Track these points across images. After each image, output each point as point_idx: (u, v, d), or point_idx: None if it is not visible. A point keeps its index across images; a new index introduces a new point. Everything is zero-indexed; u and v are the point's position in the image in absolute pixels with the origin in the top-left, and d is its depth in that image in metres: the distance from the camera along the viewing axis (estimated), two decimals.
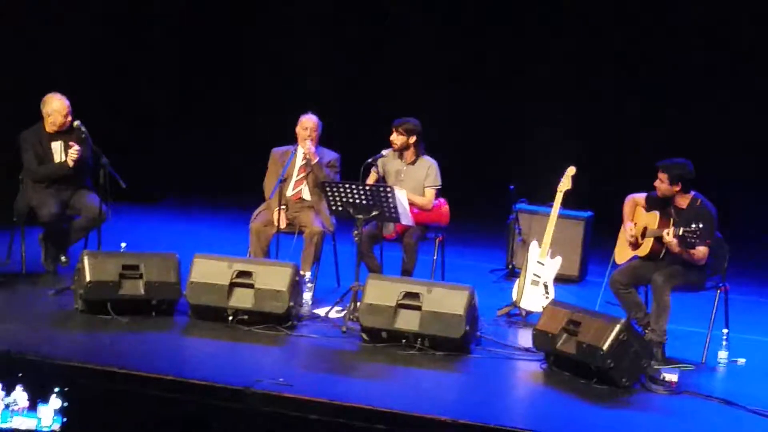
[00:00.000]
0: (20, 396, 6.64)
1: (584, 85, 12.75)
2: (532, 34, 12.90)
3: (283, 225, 9.36)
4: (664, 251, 8.36)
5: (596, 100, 12.77)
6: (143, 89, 13.23)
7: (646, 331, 8.29)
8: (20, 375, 6.68)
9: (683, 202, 8.43)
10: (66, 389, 6.64)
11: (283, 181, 9.36)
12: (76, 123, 9.39)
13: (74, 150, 9.33)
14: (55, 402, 6.64)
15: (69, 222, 9.56)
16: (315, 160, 9.43)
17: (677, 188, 8.37)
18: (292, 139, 9.61)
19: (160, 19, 13.33)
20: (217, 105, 13.64)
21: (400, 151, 9.46)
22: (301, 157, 9.54)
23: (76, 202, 9.51)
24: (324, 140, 9.63)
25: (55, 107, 9.47)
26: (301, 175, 9.57)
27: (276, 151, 9.66)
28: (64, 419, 6.65)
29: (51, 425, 6.63)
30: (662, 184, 8.40)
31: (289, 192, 9.54)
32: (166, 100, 13.47)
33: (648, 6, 12.53)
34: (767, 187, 12.10)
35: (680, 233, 8.16)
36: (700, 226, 8.10)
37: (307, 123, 9.52)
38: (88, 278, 8.40)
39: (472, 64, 13.18)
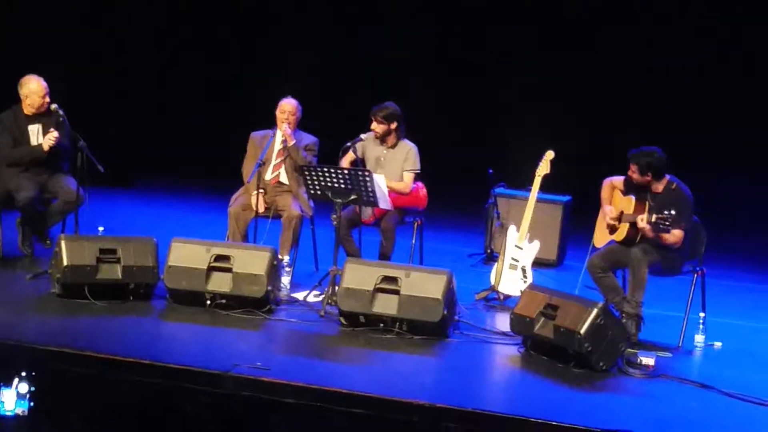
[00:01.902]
0: None
1: (562, 69, 12.75)
2: (511, 20, 12.88)
3: (261, 209, 9.35)
4: (639, 236, 8.39)
5: (574, 84, 12.77)
6: (120, 72, 13.18)
7: (623, 312, 8.33)
8: None
9: (659, 186, 8.46)
10: (33, 373, 6.61)
11: (262, 165, 9.34)
12: (54, 106, 9.35)
13: (51, 136, 9.29)
14: (20, 386, 6.61)
15: (46, 205, 9.52)
16: (291, 143, 9.42)
17: (648, 177, 8.41)
18: (271, 123, 9.58)
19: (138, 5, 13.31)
20: (196, 87, 13.59)
21: (382, 138, 9.45)
22: (279, 141, 9.52)
23: (53, 185, 9.47)
24: (304, 125, 9.60)
25: (33, 88, 9.42)
26: (280, 159, 9.55)
27: (255, 135, 9.64)
28: (31, 404, 6.62)
29: (14, 409, 6.60)
30: (634, 174, 8.44)
31: (268, 176, 9.52)
32: (143, 84, 13.42)
33: None
34: (743, 169, 12.13)
35: (653, 220, 8.19)
36: (672, 212, 8.13)
37: (286, 106, 9.50)
38: (65, 262, 8.37)
39: (451, 50, 13.16)
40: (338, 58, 13.38)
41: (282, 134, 9.47)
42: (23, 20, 11.86)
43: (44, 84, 9.44)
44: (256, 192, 9.30)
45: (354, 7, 13.32)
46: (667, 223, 8.13)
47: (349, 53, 13.34)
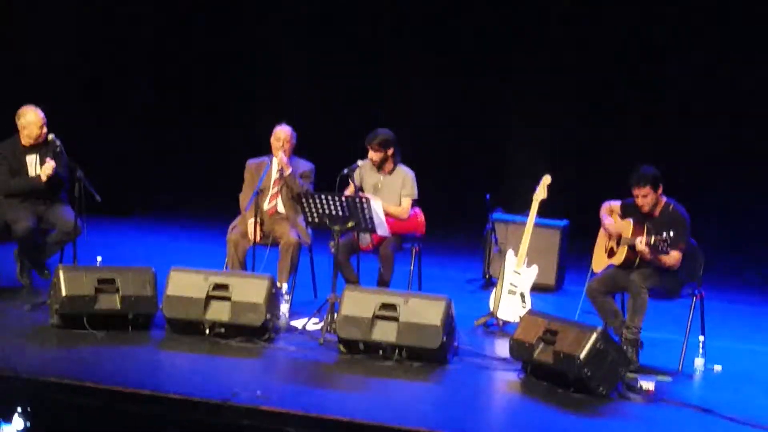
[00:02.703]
0: None
1: (560, 95, 12.77)
2: (509, 46, 12.91)
3: (257, 238, 9.32)
4: (638, 259, 8.39)
5: (572, 109, 12.79)
6: (118, 102, 13.21)
7: (622, 336, 8.32)
8: None
9: (656, 209, 8.46)
10: (29, 409, 6.58)
11: (260, 193, 9.32)
12: (51, 136, 9.37)
13: (48, 166, 9.31)
14: (17, 422, 6.58)
15: (44, 236, 9.52)
16: (288, 171, 9.41)
17: (660, 191, 8.39)
18: (266, 150, 9.58)
19: (136, 34, 13.34)
20: (193, 117, 13.61)
21: (380, 165, 9.46)
22: (276, 170, 9.51)
23: (51, 215, 9.47)
24: (300, 150, 9.61)
25: (30, 119, 9.44)
26: (277, 188, 9.54)
27: (251, 163, 9.64)
28: None
29: None
30: (647, 197, 8.38)
31: (265, 206, 9.49)
32: (138, 112, 13.45)
33: (628, 18, 12.54)
34: (741, 193, 12.13)
35: (652, 242, 8.19)
36: (671, 234, 8.13)
37: (280, 134, 9.49)
38: (63, 293, 8.37)
39: (449, 75, 13.18)
40: (334, 84, 13.38)
41: (278, 163, 9.46)
42: (22, 48, 11.91)
43: (42, 115, 9.46)
44: (253, 221, 9.29)
45: (354, 37, 13.34)
46: (666, 244, 8.13)
47: (346, 79, 13.35)
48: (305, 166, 9.59)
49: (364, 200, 8.72)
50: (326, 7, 13.39)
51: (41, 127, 9.43)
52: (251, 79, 13.58)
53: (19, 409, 6.60)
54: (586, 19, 12.61)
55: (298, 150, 9.58)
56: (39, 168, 9.42)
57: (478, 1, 13.03)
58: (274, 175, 9.53)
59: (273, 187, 9.54)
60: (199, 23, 13.62)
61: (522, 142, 12.78)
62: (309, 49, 13.46)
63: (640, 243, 8.27)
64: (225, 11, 13.61)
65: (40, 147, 9.47)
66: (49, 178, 9.34)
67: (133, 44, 13.37)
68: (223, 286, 8.48)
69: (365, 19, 13.33)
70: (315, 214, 8.78)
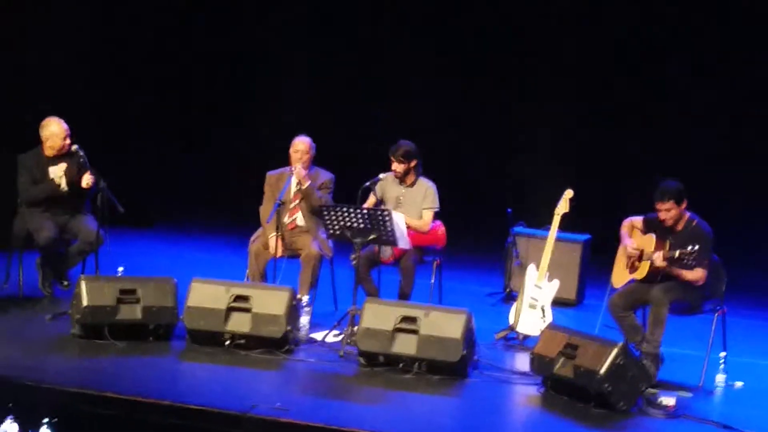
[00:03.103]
0: (10, 428, 6.61)
1: (582, 108, 12.76)
2: (530, 57, 12.91)
3: (278, 253, 9.31)
4: (660, 275, 8.36)
5: (594, 123, 12.77)
6: (138, 114, 13.26)
7: (642, 349, 8.29)
8: (10, 405, 6.63)
9: (679, 224, 8.44)
10: (55, 420, 6.60)
11: (281, 205, 9.32)
12: (74, 147, 9.42)
13: (88, 178, 9.32)
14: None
15: (66, 246, 9.56)
16: (306, 184, 9.40)
17: (684, 206, 8.37)
18: (287, 161, 9.57)
19: (152, 46, 13.39)
20: (214, 127, 13.65)
21: (402, 177, 9.47)
22: (295, 183, 9.50)
23: (74, 226, 9.52)
24: (319, 160, 9.61)
25: (54, 131, 9.49)
26: (296, 202, 9.52)
27: (271, 175, 9.62)
28: None
29: None
30: (670, 212, 8.35)
31: (286, 219, 9.46)
32: (163, 124, 13.49)
33: (642, 29, 12.53)
34: (762, 207, 12.09)
35: (676, 256, 8.17)
36: (696, 247, 8.11)
37: (299, 146, 9.47)
38: (85, 303, 8.39)
39: (470, 87, 13.19)
40: (357, 96, 13.40)
41: (296, 175, 9.44)
42: (40, 56, 12.00)
43: (65, 126, 9.51)
44: (274, 235, 9.29)
45: (370, 48, 13.36)
46: (692, 258, 8.09)
47: (368, 91, 13.37)
48: (324, 176, 9.57)
49: (386, 213, 8.72)
50: (326, 7, 13.41)
51: (64, 139, 9.48)
52: (275, 86, 13.59)
53: (46, 420, 6.61)
54: (603, 34, 12.61)
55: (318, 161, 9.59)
56: (63, 180, 9.46)
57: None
58: (294, 188, 9.52)
59: (293, 201, 9.53)
60: (217, 27, 13.63)
61: (544, 156, 12.76)
62: (310, 49, 13.45)
63: (658, 259, 8.25)
64: (225, 11, 13.63)
65: (64, 157, 9.52)
66: (72, 186, 9.37)
67: (152, 49, 13.41)
68: (244, 298, 8.49)
69: (365, 19, 13.34)
70: (336, 227, 8.78)
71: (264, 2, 13.70)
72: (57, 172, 9.47)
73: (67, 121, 9.52)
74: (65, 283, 9.61)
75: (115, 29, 13.03)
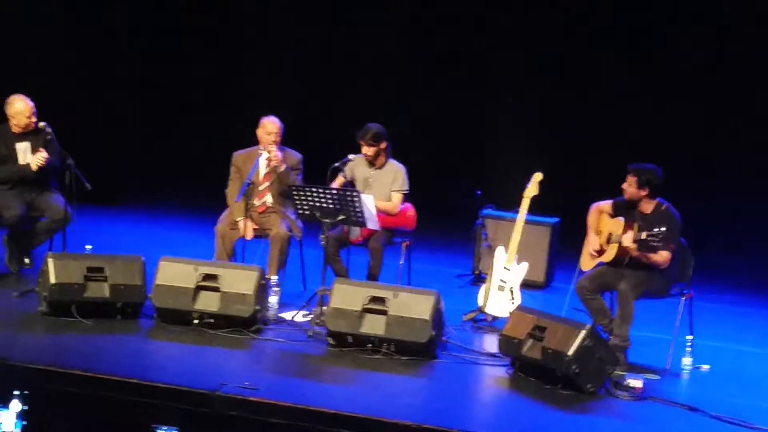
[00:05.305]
0: None
1: (551, 90, 12.77)
2: (500, 40, 12.90)
3: (249, 236, 9.29)
4: (628, 257, 8.41)
5: (563, 106, 12.78)
6: (107, 90, 13.18)
7: (610, 336, 8.34)
8: None
9: (648, 207, 8.49)
10: (26, 392, 6.58)
11: (250, 185, 9.27)
12: (42, 124, 9.34)
13: (40, 156, 9.27)
14: (15, 405, 6.58)
15: (34, 223, 9.50)
16: (282, 168, 9.35)
17: (644, 193, 8.43)
18: (254, 140, 9.50)
19: (123, 22, 13.31)
20: (181, 106, 13.58)
21: (372, 159, 9.44)
22: (264, 165, 9.45)
23: (41, 203, 9.45)
24: (287, 141, 9.56)
25: (18, 109, 9.41)
26: (267, 183, 9.48)
27: (238, 155, 9.54)
28: (24, 423, 6.60)
29: (13, 430, 6.57)
30: (630, 188, 8.46)
31: (255, 202, 9.40)
32: (129, 101, 13.42)
33: (613, 17, 12.56)
34: (731, 192, 12.14)
35: (643, 237, 8.21)
36: (662, 229, 8.15)
37: (272, 127, 9.38)
38: (52, 280, 8.35)
39: (440, 68, 13.17)
40: (319, 78, 13.36)
41: (270, 158, 9.35)
42: (8, 32, 11.93)
43: (31, 104, 9.42)
44: (243, 218, 9.24)
45: (342, 25, 13.31)
46: (657, 239, 8.14)
47: (333, 75, 13.33)
48: (294, 156, 9.51)
49: (354, 193, 8.71)
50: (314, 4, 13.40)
51: (29, 117, 9.39)
52: (239, 69, 13.53)
53: (16, 392, 6.57)
54: (573, 14, 12.61)
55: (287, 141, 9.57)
56: (29, 155, 9.39)
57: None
58: (263, 169, 9.47)
59: (263, 183, 9.48)
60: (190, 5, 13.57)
61: (513, 138, 12.77)
62: (297, 41, 13.41)
63: (627, 239, 8.30)
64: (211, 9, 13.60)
65: (30, 134, 9.44)
66: (40, 168, 9.31)
67: (119, 35, 13.33)
68: (213, 277, 8.47)
69: (353, 15, 13.32)
70: (305, 207, 8.77)
71: None
72: (25, 150, 9.39)
73: (34, 99, 9.44)
74: (26, 261, 9.52)
75: (86, 15, 12.95)
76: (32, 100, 9.44)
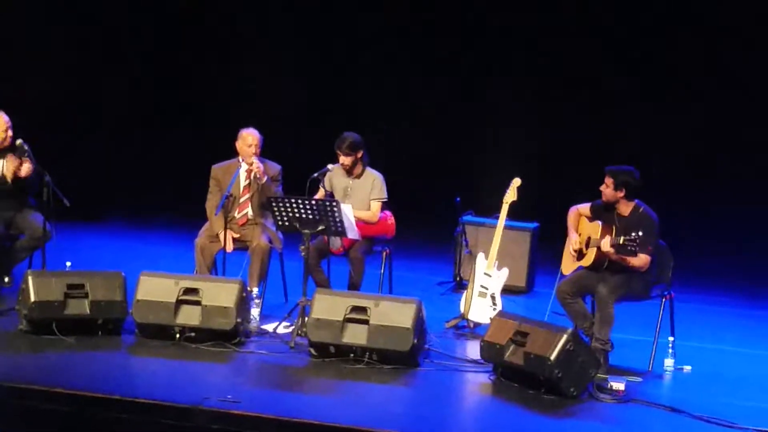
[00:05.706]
0: None
1: (529, 98, 12.79)
2: (481, 47, 12.92)
3: (229, 249, 9.29)
4: (607, 261, 8.43)
5: (540, 111, 12.80)
6: (87, 105, 13.16)
7: (591, 340, 8.36)
8: None
9: (626, 209, 8.51)
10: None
11: (229, 197, 9.26)
12: (19, 141, 9.31)
13: (26, 167, 9.23)
14: None
15: (13, 242, 9.46)
16: (264, 180, 9.34)
17: (621, 194, 8.45)
18: (233, 154, 9.50)
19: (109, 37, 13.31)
20: (161, 121, 13.56)
21: (350, 168, 9.45)
22: (244, 177, 9.45)
23: (20, 221, 9.42)
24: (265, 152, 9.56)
25: None
26: (246, 195, 9.47)
27: (217, 168, 9.53)
28: None
29: None
30: (607, 189, 8.49)
31: (236, 215, 9.39)
32: (109, 117, 13.40)
33: (597, 21, 12.59)
34: (708, 193, 12.18)
35: (621, 242, 8.24)
36: (640, 234, 8.18)
37: (251, 139, 9.37)
38: (32, 298, 8.32)
39: (420, 77, 13.18)
40: (307, 86, 13.36)
41: (251, 170, 9.34)
42: None
43: (6, 118, 9.40)
44: (223, 231, 9.23)
45: (322, 37, 13.32)
46: (635, 244, 8.17)
47: (316, 83, 13.33)
48: (273, 168, 9.52)
49: (333, 203, 8.71)
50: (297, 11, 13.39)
51: (5, 131, 9.37)
52: (221, 85, 13.53)
53: None
54: (558, 21, 12.64)
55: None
56: (4, 172, 9.33)
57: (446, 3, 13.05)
58: (243, 182, 9.46)
59: (243, 195, 9.47)
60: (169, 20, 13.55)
61: (492, 145, 12.79)
62: (278, 51, 13.41)
63: (605, 244, 8.32)
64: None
65: (7, 150, 9.40)
66: (16, 180, 9.27)
67: (104, 46, 13.31)
68: (194, 290, 8.46)
69: (336, 23, 13.32)
70: (285, 218, 8.76)
71: None
72: (5, 166, 9.37)
73: (11, 114, 9.41)
74: (6, 279, 9.49)
75: (68, 27, 12.94)
76: (8, 114, 9.42)
